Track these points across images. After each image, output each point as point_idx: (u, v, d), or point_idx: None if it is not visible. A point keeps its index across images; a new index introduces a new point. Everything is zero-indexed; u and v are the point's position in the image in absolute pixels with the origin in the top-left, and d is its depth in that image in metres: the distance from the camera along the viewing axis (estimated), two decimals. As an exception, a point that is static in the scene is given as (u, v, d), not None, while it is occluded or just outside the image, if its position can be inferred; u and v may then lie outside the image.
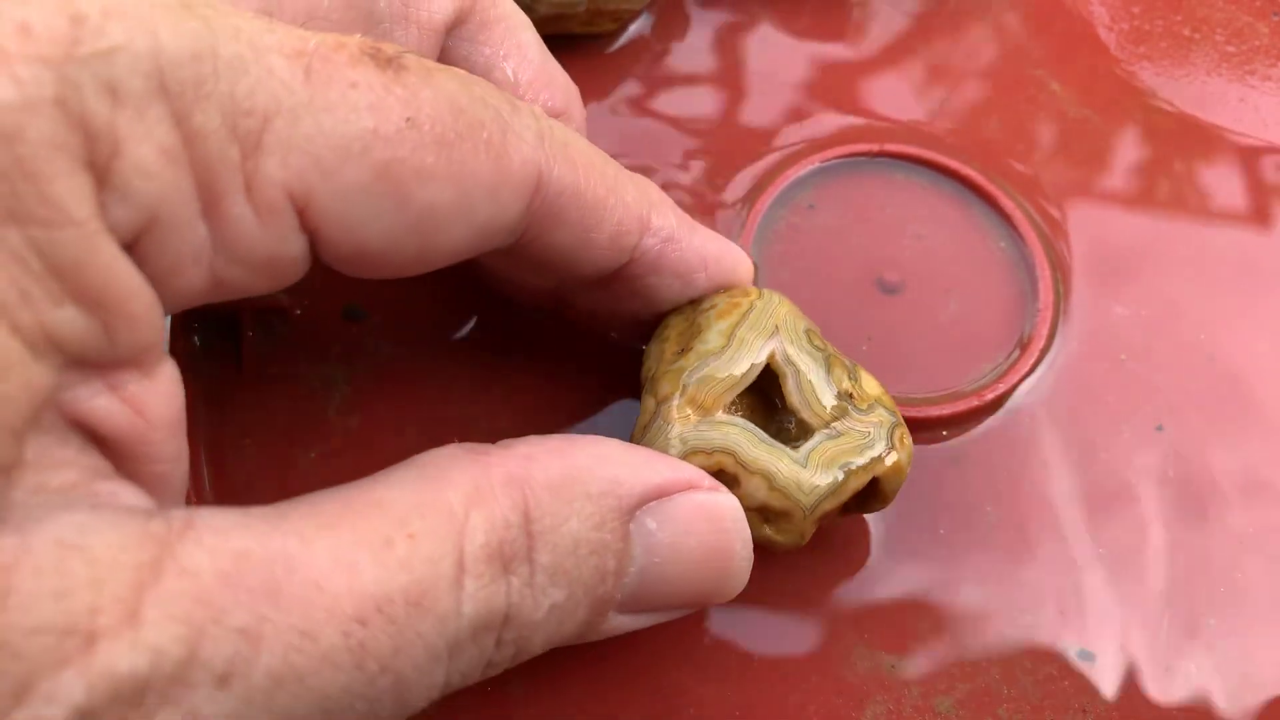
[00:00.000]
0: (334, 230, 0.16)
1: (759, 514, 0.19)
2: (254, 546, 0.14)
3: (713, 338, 0.19)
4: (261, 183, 0.15)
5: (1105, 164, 0.27)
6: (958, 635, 0.21)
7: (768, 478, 0.19)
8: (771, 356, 0.19)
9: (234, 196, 0.15)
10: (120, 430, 0.15)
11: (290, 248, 0.16)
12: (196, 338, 0.23)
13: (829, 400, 0.19)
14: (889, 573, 0.21)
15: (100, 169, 0.13)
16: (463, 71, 0.17)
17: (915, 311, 0.24)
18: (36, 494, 0.14)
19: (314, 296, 0.23)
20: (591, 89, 0.27)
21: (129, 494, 0.15)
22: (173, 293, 0.15)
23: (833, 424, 0.19)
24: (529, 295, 0.23)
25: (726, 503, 0.18)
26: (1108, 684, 0.20)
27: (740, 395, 0.19)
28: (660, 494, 0.17)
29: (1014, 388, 0.23)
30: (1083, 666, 0.21)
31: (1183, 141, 0.27)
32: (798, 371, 0.19)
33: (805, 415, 0.19)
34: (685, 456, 0.19)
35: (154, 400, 0.15)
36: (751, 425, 0.19)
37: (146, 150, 0.14)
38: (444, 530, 0.15)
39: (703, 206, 0.25)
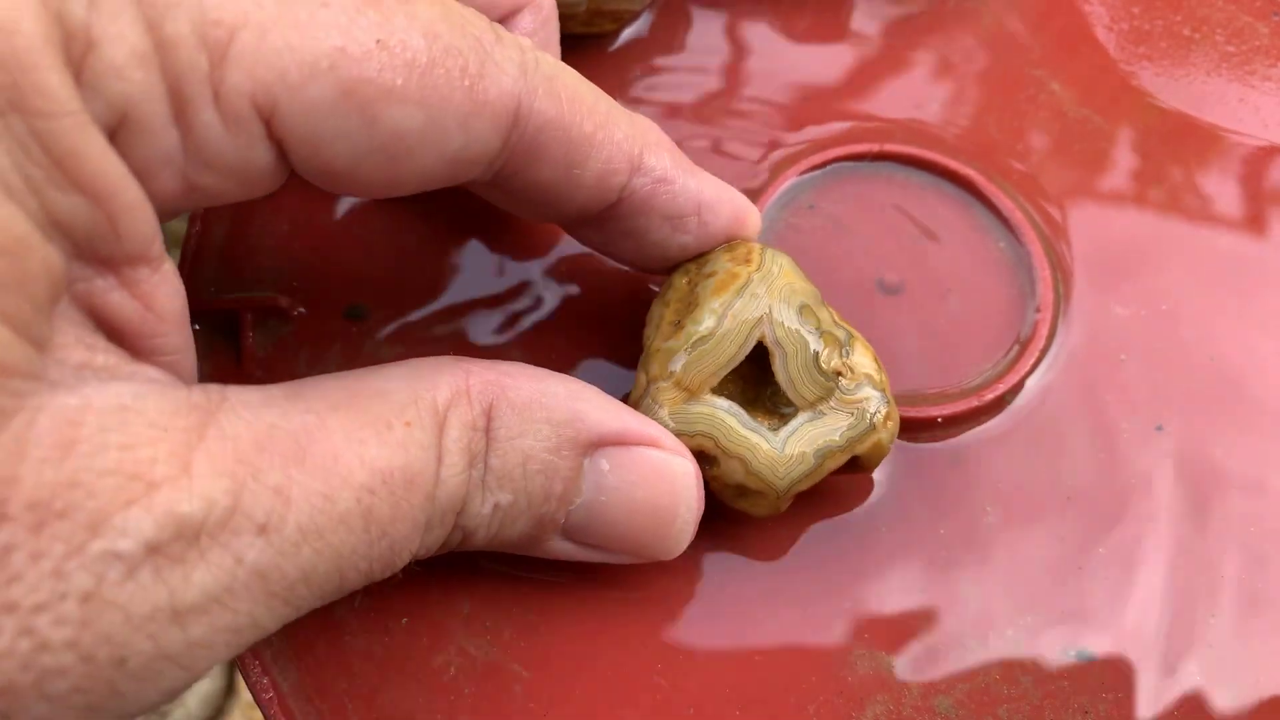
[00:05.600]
0: (300, 144, 0.16)
1: (735, 490, 0.20)
2: (280, 420, 0.16)
3: (705, 317, 0.20)
4: (228, 93, 0.15)
5: (1105, 164, 0.27)
6: (958, 635, 0.21)
7: (744, 462, 0.19)
8: (762, 338, 0.20)
9: (202, 104, 0.15)
10: (133, 323, 0.16)
11: (258, 157, 0.16)
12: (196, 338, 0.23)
13: (815, 382, 0.20)
14: (889, 573, 0.21)
15: (75, 66, 0.14)
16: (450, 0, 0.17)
17: (915, 311, 0.24)
18: (84, 369, 0.15)
19: (314, 296, 0.23)
20: (591, 89, 0.27)
21: (160, 376, 0.16)
22: (149, 194, 0.16)
23: (818, 404, 0.20)
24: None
25: (680, 467, 0.19)
26: (1108, 684, 0.20)
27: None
28: (620, 441, 0.19)
29: (1014, 388, 0.23)
30: (1083, 666, 0.21)
31: (1182, 141, 0.27)
32: (785, 355, 0.20)
33: (791, 396, 0.20)
34: None
35: (162, 294, 0.16)
36: (736, 408, 0.20)
37: (119, 51, 0.14)
38: (430, 422, 0.17)
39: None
